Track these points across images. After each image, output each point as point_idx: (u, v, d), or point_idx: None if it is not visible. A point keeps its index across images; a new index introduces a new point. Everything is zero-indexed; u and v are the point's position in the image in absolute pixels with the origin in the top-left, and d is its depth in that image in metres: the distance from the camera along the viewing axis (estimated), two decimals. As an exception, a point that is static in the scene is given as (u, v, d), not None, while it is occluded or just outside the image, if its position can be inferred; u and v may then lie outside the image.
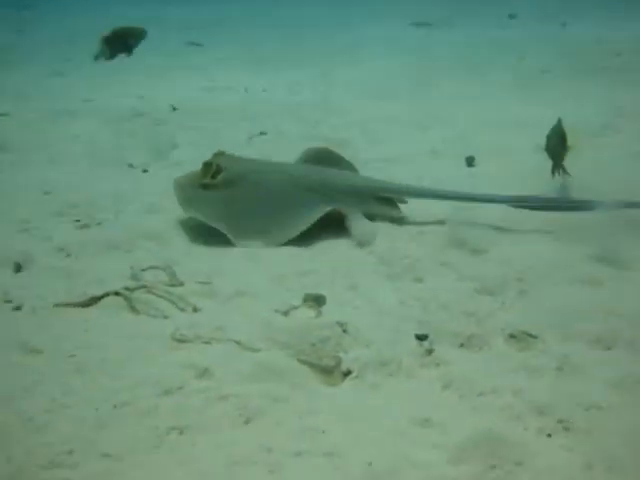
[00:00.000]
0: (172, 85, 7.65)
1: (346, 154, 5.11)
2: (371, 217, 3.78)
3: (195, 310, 2.98)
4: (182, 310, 2.99)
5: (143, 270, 3.29)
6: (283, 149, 5.19)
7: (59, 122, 6.25)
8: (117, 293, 3.07)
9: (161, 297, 3.05)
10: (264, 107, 6.62)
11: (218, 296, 3.09)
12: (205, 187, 3.81)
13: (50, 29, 11.95)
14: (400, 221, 3.83)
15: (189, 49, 10.03)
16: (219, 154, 3.98)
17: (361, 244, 3.54)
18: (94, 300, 3.04)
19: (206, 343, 2.69)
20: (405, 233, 3.70)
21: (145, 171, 4.88)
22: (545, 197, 3.80)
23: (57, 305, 3.01)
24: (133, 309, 2.99)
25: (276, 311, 2.92)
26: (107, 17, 13.53)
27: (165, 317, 2.92)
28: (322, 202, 3.68)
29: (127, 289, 3.09)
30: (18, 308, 2.97)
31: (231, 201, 3.71)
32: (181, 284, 3.19)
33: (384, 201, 3.87)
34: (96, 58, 5.36)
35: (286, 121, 6.02)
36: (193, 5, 14.23)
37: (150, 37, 10.81)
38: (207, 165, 3.86)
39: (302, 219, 3.60)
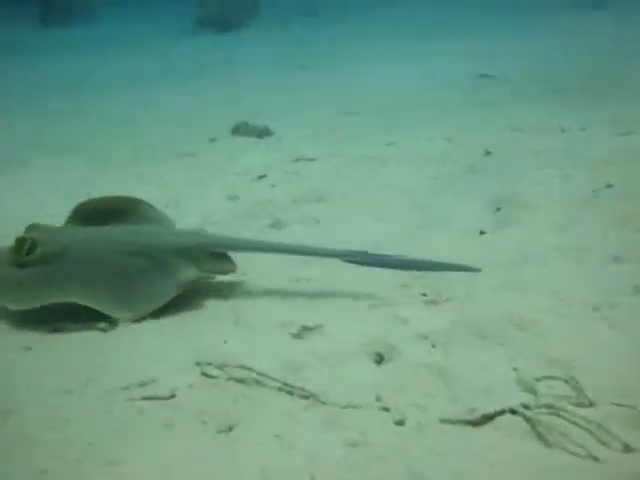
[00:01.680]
0: (476, 125, 7.07)
1: None
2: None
3: (627, 450, 2.28)
4: (606, 446, 2.31)
5: (537, 380, 2.67)
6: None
7: (366, 168, 5.95)
8: (514, 411, 2.49)
9: (573, 423, 2.41)
10: (592, 151, 5.75)
11: (654, 430, 2.37)
12: (21, 265, 3.38)
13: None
14: None
15: (480, 82, 9.43)
16: (33, 226, 3.60)
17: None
18: (486, 419, 2.49)
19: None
20: None
21: (482, 233, 4.31)
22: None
23: (444, 421, 2.50)
24: (541, 438, 2.38)
25: None
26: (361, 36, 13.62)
27: (593, 458, 2.25)
28: (153, 269, 3.43)
29: (525, 407, 2.50)
30: (401, 423, 2.50)
31: (49, 280, 3.30)
32: (591, 404, 2.52)
33: (217, 257, 3.63)
34: None
35: (632, 170, 5.11)
36: (477, 34, 13.70)
37: (434, 68, 10.56)
38: (20, 240, 3.43)
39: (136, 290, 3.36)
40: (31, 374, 2.88)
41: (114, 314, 3.27)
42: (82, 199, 5.18)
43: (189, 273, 3.48)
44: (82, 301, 3.23)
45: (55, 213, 4.61)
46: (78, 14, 22.20)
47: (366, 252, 3.64)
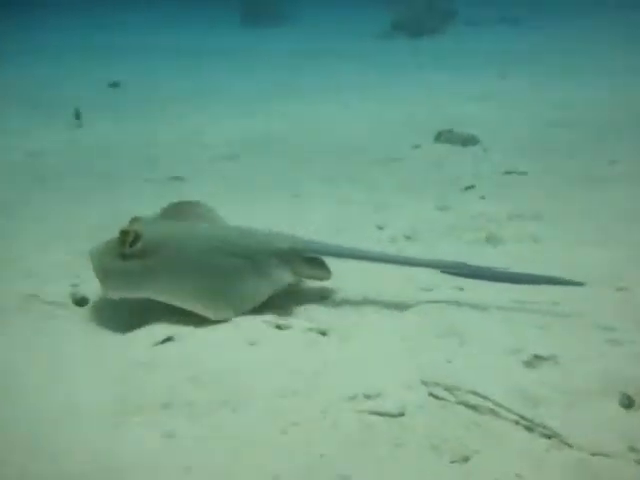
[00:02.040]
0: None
1: None
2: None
3: None
4: None
5: None
6: None
7: (586, 188, 5.49)
8: None
9: None
10: None
11: None
12: (125, 257, 3.41)
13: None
14: None
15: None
16: (137, 219, 3.62)
17: None
18: None
19: None
20: None
21: None
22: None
23: None
24: None
25: None
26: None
27: None
28: (248, 270, 3.40)
29: None
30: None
31: (145, 274, 3.34)
32: None
33: (312, 262, 3.55)
34: None
35: None
36: None
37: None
38: (124, 233, 3.46)
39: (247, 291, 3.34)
40: (257, 370, 2.86)
41: (206, 314, 3.21)
42: (290, 197, 5.27)
43: (284, 275, 3.45)
44: (173, 301, 3.22)
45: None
46: (277, 18, 23.03)
47: (465, 263, 3.54)
